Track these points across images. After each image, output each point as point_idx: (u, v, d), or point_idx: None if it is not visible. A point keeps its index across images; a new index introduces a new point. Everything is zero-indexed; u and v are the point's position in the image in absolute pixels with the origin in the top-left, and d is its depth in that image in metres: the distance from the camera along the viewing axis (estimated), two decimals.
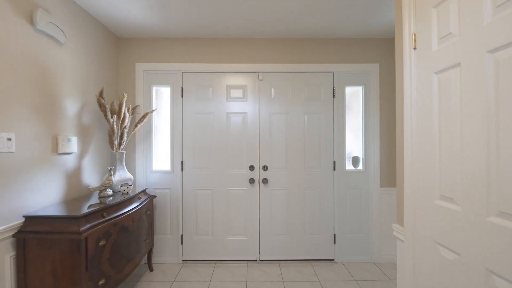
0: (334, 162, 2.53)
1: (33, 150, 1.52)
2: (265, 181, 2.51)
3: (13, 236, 1.38)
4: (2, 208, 1.34)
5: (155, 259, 2.49)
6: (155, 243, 2.49)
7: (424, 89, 1.15)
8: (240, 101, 2.53)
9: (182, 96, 2.52)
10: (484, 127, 0.85)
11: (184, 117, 2.51)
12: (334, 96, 2.53)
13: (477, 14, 0.88)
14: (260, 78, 2.52)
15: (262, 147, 2.52)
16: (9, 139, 1.37)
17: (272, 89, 2.53)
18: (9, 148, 1.37)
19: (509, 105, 0.77)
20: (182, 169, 2.52)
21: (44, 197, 1.61)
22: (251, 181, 2.50)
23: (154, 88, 2.55)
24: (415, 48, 1.21)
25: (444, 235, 1.01)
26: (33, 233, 1.38)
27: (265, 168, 2.52)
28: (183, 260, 2.51)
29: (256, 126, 2.52)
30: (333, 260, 2.53)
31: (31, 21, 1.51)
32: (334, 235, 2.52)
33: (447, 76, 1.02)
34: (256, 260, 2.52)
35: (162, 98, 2.60)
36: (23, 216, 1.43)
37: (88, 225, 1.44)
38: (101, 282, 1.52)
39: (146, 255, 2.37)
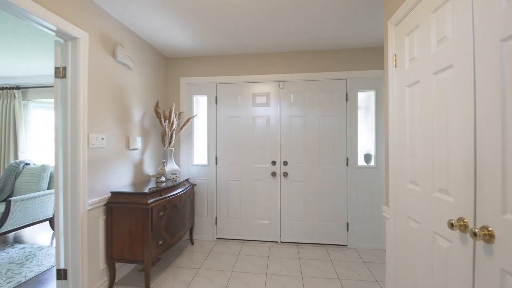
0: (347, 158, 2.84)
1: (115, 146, 2.16)
2: (285, 174, 2.92)
3: (104, 205, 2.02)
4: (97, 186, 1.97)
5: (195, 236, 3.06)
6: (195, 223, 3.06)
7: (400, 99, 1.48)
8: (263, 106, 2.98)
9: (216, 103, 3.05)
10: (430, 130, 1.18)
11: (218, 121, 3.05)
12: (347, 100, 2.84)
13: (427, 46, 1.21)
14: (281, 87, 2.94)
15: (282, 145, 2.93)
16: (102, 139, 2.01)
17: (292, 95, 2.93)
18: (102, 145, 2.01)
19: (443, 114, 1.11)
20: (216, 163, 3.05)
21: (122, 179, 2.24)
22: (273, 174, 2.94)
23: (194, 98, 3.12)
24: (395, 66, 1.54)
25: (412, 211, 1.34)
26: (116, 203, 2.00)
27: (285, 163, 2.93)
28: (217, 238, 3.04)
29: (277, 127, 2.94)
30: (346, 245, 2.84)
31: (113, 54, 2.14)
32: (347, 223, 2.83)
33: (412, 90, 1.35)
34: (277, 242, 2.95)
35: (200, 105, 3.17)
36: (110, 192, 2.06)
37: (152, 200, 2.02)
38: (160, 243, 2.09)
39: (189, 232, 2.96)
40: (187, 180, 2.81)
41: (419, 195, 1.27)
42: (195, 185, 2.93)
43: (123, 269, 2.24)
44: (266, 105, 2.98)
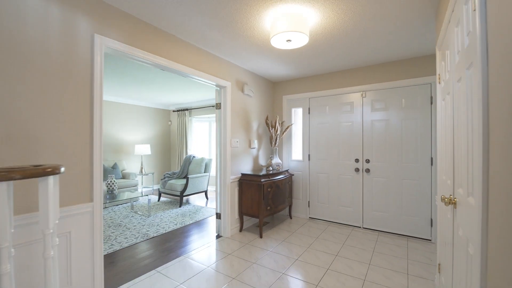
0: (432, 158, 3.01)
1: (243, 146, 3.51)
2: (367, 170, 3.43)
3: (238, 181, 3.38)
4: (234, 169, 3.35)
5: (292, 213, 4.08)
6: (293, 203, 4.08)
7: (441, 107, 1.90)
8: (348, 113, 3.60)
9: (309, 113, 3.95)
10: (451, 135, 1.65)
11: (310, 126, 3.94)
12: (431, 103, 3.02)
13: (453, 59, 1.67)
14: (363, 96, 3.48)
15: (365, 145, 3.46)
16: (237, 142, 3.38)
17: (373, 102, 3.40)
18: (236, 145, 3.37)
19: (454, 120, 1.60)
20: (309, 160, 3.95)
21: (246, 166, 3.58)
22: (356, 170, 3.51)
23: (293, 110, 4.15)
24: (439, 83, 1.95)
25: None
26: (244, 180, 3.31)
27: (367, 161, 3.44)
28: (309, 217, 3.94)
29: (360, 130, 3.50)
30: (430, 240, 3.02)
31: (242, 90, 3.49)
32: (431, 219, 3.01)
33: (444, 102, 1.79)
34: (360, 227, 3.50)
35: (297, 115, 4.16)
36: (241, 173, 3.41)
37: (263, 180, 3.20)
38: (268, 208, 3.24)
39: (288, 208, 4.01)
40: (287, 170, 3.87)
41: (444, 184, 1.72)
42: (293, 175, 3.95)
43: (246, 224, 3.56)
44: (350, 112, 3.59)
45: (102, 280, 1.86)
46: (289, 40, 2.16)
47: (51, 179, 0.92)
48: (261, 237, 3.15)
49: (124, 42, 2.03)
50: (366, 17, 2.13)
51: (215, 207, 4.62)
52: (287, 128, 3.89)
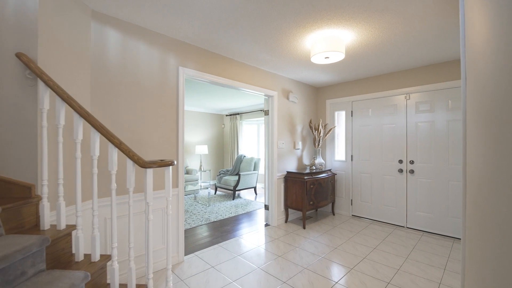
0: None
1: (288, 147, 3.95)
2: (411, 171, 3.50)
3: (284, 177, 3.84)
4: (280, 167, 3.81)
5: (335, 210, 4.34)
6: (336, 201, 4.33)
7: None
8: (391, 115, 3.71)
9: (351, 116, 4.16)
10: None
11: (353, 128, 4.14)
12: None
13: None
14: (407, 98, 3.55)
15: (409, 146, 3.52)
16: (282, 143, 3.84)
17: (418, 104, 3.45)
18: (282, 147, 3.83)
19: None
20: (352, 160, 4.16)
21: (291, 165, 4.01)
22: (400, 170, 3.60)
23: (336, 113, 4.40)
24: None
25: None
26: (289, 177, 3.75)
27: (411, 162, 3.50)
28: (352, 215, 4.14)
29: (403, 132, 3.57)
30: None
31: (287, 98, 3.93)
32: None
33: None
34: (403, 226, 3.58)
35: (339, 118, 4.40)
36: (286, 171, 3.86)
37: (306, 177, 3.58)
38: (311, 203, 3.61)
39: (331, 205, 4.29)
40: (329, 170, 4.16)
41: None
42: (336, 174, 4.21)
43: (291, 216, 3.99)
44: (393, 114, 3.69)
45: (183, 245, 2.55)
46: (327, 57, 2.52)
47: (170, 168, 1.54)
48: (304, 228, 3.54)
49: (196, 69, 2.70)
50: (395, 30, 2.35)
51: (263, 201, 5.17)
52: (329, 130, 4.18)
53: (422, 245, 2.95)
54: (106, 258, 1.51)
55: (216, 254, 2.72)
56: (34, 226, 1.48)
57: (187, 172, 6.50)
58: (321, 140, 4.18)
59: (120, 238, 2.12)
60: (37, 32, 1.52)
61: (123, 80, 2.16)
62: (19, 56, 1.45)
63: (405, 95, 3.57)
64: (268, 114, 3.74)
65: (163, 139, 2.43)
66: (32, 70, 1.43)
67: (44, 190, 1.44)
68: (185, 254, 2.70)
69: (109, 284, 1.50)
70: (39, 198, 1.48)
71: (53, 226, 1.49)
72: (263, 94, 3.56)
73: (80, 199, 1.47)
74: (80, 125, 1.46)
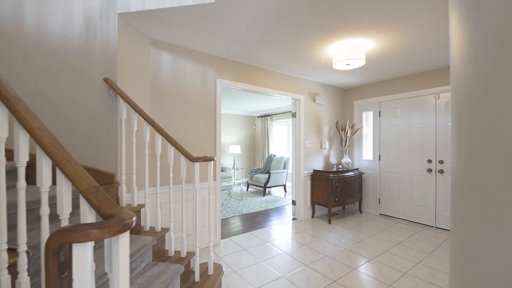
0: None
1: (314, 147, 4.19)
2: (440, 171, 3.49)
3: (310, 175, 4.09)
4: (307, 166, 4.07)
5: (362, 209, 4.44)
6: (363, 199, 4.43)
7: None
8: (419, 115, 3.72)
9: (379, 116, 4.23)
10: None
11: (380, 128, 4.21)
12: None
13: None
14: (436, 98, 3.54)
15: (438, 146, 3.52)
16: (309, 143, 4.09)
17: (447, 104, 3.43)
18: (309, 146, 4.09)
19: None
20: (379, 159, 4.23)
21: (317, 164, 4.24)
22: (429, 170, 3.60)
23: (364, 113, 4.50)
24: None
25: None
26: (315, 175, 3.99)
27: (441, 161, 3.49)
28: (379, 214, 4.21)
29: (433, 131, 3.57)
30: None
31: (314, 100, 4.17)
32: None
33: None
34: (432, 226, 3.57)
35: (367, 118, 4.49)
36: (313, 169, 4.10)
37: (332, 175, 3.79)
38: (336, 200, 3.81)
39: (358, 203, 4.41)
40: (356, 169, 4.29)
41: None
42: (363, 173, 4.32)
43: (318, 212, 4.21)
44: (422, 114, 3.70)
45: (220, 230, 2.99)
46: (348, 64, 2.74)
47: (211, 163, 1.96)
48: (329, 223, 3.76)
49: (230, 79, 3.12)
50: (415, 36, 2.47)
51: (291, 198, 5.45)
52: (357, 131, 4.30)
53: (449, 244, 2.97)
54: (165, 230, 1.99)
55: (247, 239, 3.11)
56: None
57: (222, 169, 7.05)
58: (348, 140, 4.33)
59: (176, 217, 2.63)
60: (116, 60, 2.06)
61: (172, 91, 2.67)
62: (106, 80, 2.00)
63: (434, 94, 3.56)
64: (295, 116, 4.03)
65: (204, 140, 2.90)
66: (114, 90, 1.96)
67: (122, 178, 1.97)
68: (221, 238, 3.15)
69: (167, 250, 1.98)
70: (118, 184, 2.02)
71: (128, 205, 2.02)
72: (291, 98, 3.86)
73: (147, 185, 1.97)
74: (148, 130, 1.96)
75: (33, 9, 1.87)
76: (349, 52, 2.59)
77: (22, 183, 0.93)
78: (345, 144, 4.34)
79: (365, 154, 4.51)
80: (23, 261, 0.95)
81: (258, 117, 8.23)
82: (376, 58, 3.08)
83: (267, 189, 6.56)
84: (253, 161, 8.36)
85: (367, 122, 4.50)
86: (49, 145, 0.82)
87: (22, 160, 0.90)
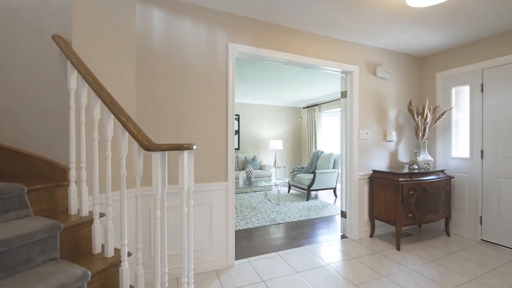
0: None
1: (375, 138, 3.01)
2: None
3: (368, 178, 2.94)
4: (363, 164, 2.93)
5: (452, 229, 3.03)
6: (452, 216, 3.03)
7: None
8: None
9: (482, 91, 2.78)
10: None
11: (484, 110, 2.76)
12: None
13: None
14: None
15: None
16: (367, 133, 2.94)
17: None
18: (366, 137, 2.94)
19: None
20: (482, 157, 2.78)
21: (379, 162, 3.05)
22: None
23: (453, 89, 3.07)
24: None
25: None
26: (376, 178, 2.83)
27: None
28: (481, 240, 2.77)
29: None
30: None
31: (374, 73, 2.99)
32: None
33: None
34: None
35: (459, 96, 3.04)
36: (372, 170, 2.94)
37: (402, 179, 2.58)
38: (409, 215, 2.59)
39: (444, 222, 3.03)
40: (442, 171, 2.93)
41: None
42: (453, 177, 2.92)
43: (379, 230, 3.03)
44: None
45: (233, 247, 2.21)
46: None
47: (186, 153, 1.19)
48: (398, 249, 2.57)
49: (250, 45, 2.29)
50: None
51: None
52: (442, 114, 2.93)
53: None
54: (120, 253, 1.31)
55: (272, 264, 2.24)
56: (66, 211, 1.43)
57: (260, 167, 6.29)
58: (427, 128, 3.00)
59: (145, 235, 1.97)
60: (71, 12, 1.47)
61: (167, 63, 1.99)
62: (54, 38, 1.42)
63: None
64: (345, 96, 2.94)
65: (211, 130, 2.15)
66: (62, 50, 1.36)
67: (72, 174, 1.36)
68: (238, 258, 2.36)
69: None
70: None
71: (91, 213, 1.41)
72: (339, 70, 2.80)
73: (97, 186, 1.31)
74: (98, 103, 1.30)
75: None
76: None
77: None
78: (423, 135, 3.02)
79: (455, 149, 3.08)
80: None
81: (304, 108, 7.17)
82: None
83: (313, 193, 5.50)
84: (299, 159, 7.34)
85: (460, 102, 3.06)
86: None
87: None
